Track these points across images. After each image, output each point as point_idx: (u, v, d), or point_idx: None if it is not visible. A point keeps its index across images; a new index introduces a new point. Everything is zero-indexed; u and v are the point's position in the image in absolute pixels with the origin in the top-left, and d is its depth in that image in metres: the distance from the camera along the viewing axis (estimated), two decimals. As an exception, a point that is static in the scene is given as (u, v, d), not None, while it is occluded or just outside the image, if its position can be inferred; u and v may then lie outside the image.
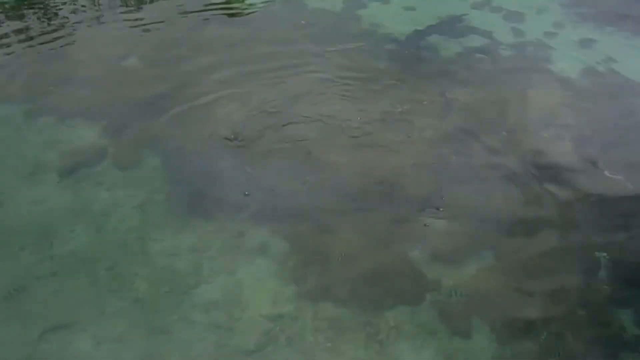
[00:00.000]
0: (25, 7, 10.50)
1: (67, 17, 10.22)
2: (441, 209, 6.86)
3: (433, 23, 10.33)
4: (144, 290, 5.98)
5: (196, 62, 9.12)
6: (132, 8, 10.68)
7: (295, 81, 8.80)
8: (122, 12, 10.52)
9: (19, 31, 9.80)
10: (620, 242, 6.67)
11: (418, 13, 10.59)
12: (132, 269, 6.16)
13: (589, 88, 9.01)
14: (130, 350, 5.51)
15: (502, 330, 5.79)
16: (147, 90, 8.49)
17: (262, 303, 5.93)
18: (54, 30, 9.83)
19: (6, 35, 9.67)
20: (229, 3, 10.83)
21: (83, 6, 10.59)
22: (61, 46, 9.44)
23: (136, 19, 10.28)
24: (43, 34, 9.72)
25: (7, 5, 10.43)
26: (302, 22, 10.21)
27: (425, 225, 6.72)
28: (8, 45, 9.43)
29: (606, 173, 7.48)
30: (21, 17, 10.21)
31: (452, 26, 10.31)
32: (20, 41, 9.52)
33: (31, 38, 9.62)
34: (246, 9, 10.74)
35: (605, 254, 6.48)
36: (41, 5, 10.56)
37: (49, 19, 10.16)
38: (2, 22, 10.02)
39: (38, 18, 10.21)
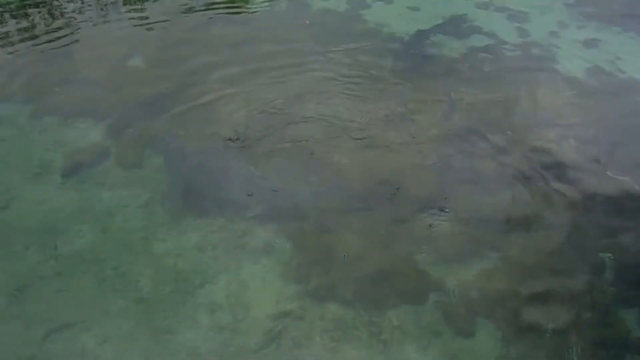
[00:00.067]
0: (30, 6, 10.51)
1: (71, 17, 10.23)
2: (446, 210, 6.85)
3: (437, 23, 10.31)
4: (149, 290, 5.99)
5: (200, 61, 9.12)
6: (136, 7, 10.68)
7: (299, 81, 8.80)
8: (126, 12, 10.52)
9: (23, 31, 9.82)
10: (626, 243, 6.66)
11: (422, 13, 10.57)
12: (136, 269, 6.17)
13: (594, 88, 8.99)
14: (135, 350, 5.53)
15: (506, 330, 5.78)
16: (150, 90, 8.49)
17: (266, 303, 5.93)
18: (58, 29, 9.84)
19: (10, 35, 9.69)
20: (233, 2, 10.83)
21: (87, 6, 10.60)
22: (65, 46, 9.45)
23: (140, 18, 10.29)
24: (47, 33, 9.73)
25: (11, 5, 10.45)
26: (307, 22, 10.20)
27: (430, 226, 6.71)
28: (12, 44, 9.45)
29: (608, 173, 7.45)
30: (25, 17, 10.22)
31: (456, 26, 10.29)
32: (24, 40, 9.54)
33: (35, 37, 9.63)
34: (250, 8, 10.73)
35: (610, 255, 6.47)
36: (45, 5, 10.57)
37: (53, 19, 10.18)
38: (7, 22, 10.04)
39: (42, 17, 10.23)
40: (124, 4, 10.76)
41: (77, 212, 6.70)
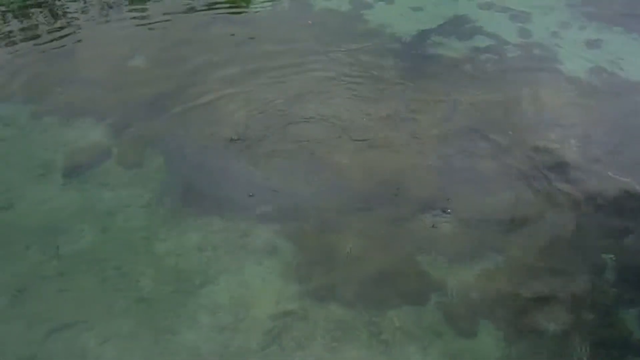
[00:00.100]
0: (32, 6, 10.52)
1: (73, 16, 10.24)
2: (448, 211, 6.84)
3: (439, 23, 10.29)
4: (150, 290, 6.00)
5: (201, 61, 9.12)
6: (137, 7, 10.68)
7: (300, 81, 8.80)
8: (127, 11, 10.52)
9: (24, 30, 9.84)
10: (627, 243, 6.65)
11: (424, 13, 10.56)
12: (138, 269, 6.18)
13: (596, 88, 8.98)
14: (136, 350, 5.53)
15: (507, 331, 5.78)
16: (151, 90, 8.50)
17: (267, 303, 5.94)
18: (60, 29, 9.86)
19: (13, 35, 9.70)
20: (235, 2, 10.82)
21: (89, 5, 10.60)
22: (67, 45, 9.46)
23: (141, 18, 10.30)
24: (49, 32, 9.75)
25: (13, 5, 10.46)
26: (309, 22, 10.19)
27: (433, 226, 6.71)
28: (14, 44, 9.47)
29: (610, 174, 7.44)
30: (28, 17, 10.24)
31: (458, 26, 10.27)
32: (25, 40, 9.56)
33: (37, 37, 9.65)
34: (252, 8, 10.73)
35: (612, 256, 6.47)
36: (47, 4, 10.57)
37: (55, 18, 10.19)
38: (9, 22, 10.05)
39: (44, 17, 10.24)
40: (126, 4, 10.76)
41: (78, 212, 6.71)
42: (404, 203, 6.97)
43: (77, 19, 10.17)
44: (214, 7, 10.62)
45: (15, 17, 10.23)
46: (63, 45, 9.45)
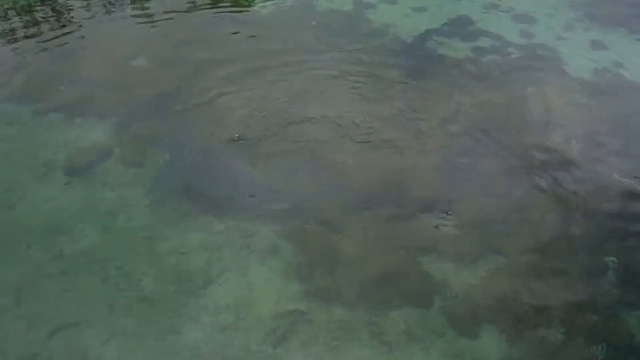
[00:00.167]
0: (35, 4, 10.52)
1: (77, 15, 10.24)
2: (450, 213, 6.83)
3: (442, 24, 10.27)
4: (152, 289, 6.01)
5: (203, 60, 9.12)
6: (140, 5, 10.68)
7: (303, 81, 8.78)
8: (130, 10, 10.52)
9: (28, 28, 9.84)
10: (630, 246, 6.63)
11: (427, 14, 10.54)
12: (140, 268, 6.19)
13: (599, 89, 8.95)
14: (139, 349, 5.54)
15: (509, 332, 5.78)
16: (153, 89, 8.50)
17: (269, 303, 5.94)
18: (62, 27, 9.87)
19: (15, 33, 9.71)
20: (238, 2, 10.81)
21: (92, 4, 10.59)
22: (70, 44, 9.46)
23: (144, 16, 10.30)
24: (52, 30, 9.75)
25: (18, 4, 10.46)
26: (313, 22, 10.17)
27: (436, 227, 6.70)
28: (17, 42, 9.47)
29: (615, 175, 7.42)
30: (31, 15, 10.24)
31: (461, 27, 10.25)
32: (28, 38, 9.56)
33: (40, 34, 9.65)
34: (255, 8, 10.71)
35: (614, 259, 6.44)
36: (50, 3, 10.57)
37: (59, 17, 10.19)
38: (13, 21, 10.05)
39: (48, 16, 10.24)
40: (130, 3, 10.75)
41: (80, 212, 6.72)
42: (406, 203, 6.96)
43: (81, 17, 10.16)
44: (217, 6, 10.61)
45: (18, 14, 10.23)
46: (66, 43, 9.47)
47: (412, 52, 9.57)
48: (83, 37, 9.66)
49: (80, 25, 9.94)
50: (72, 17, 10.14)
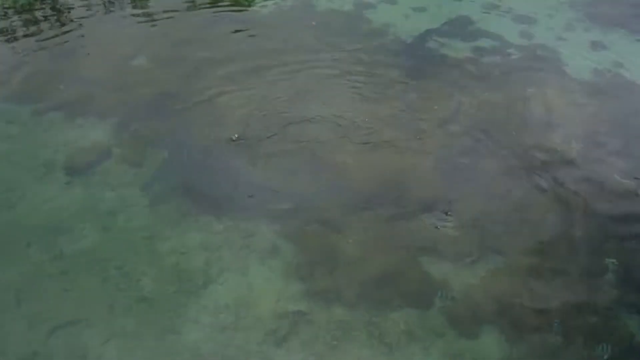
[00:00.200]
0: (36, 3, 10.50)
1: (77, 15, 10.22)
2: (449, 213, 6.83)
3: (443, 24, 10.27)
4: (152, 289, 6.00)
5: (203, 60, 9.11)
6: (140, 4, 10.67)
7: (303, 81, 8.78)
8: (131, 9, 10.51)
9: (28, 28, 9.83)
10: (630, 247, 6.63)
11: (428, 14, 10.54)
12: (140, 268, 6.19)
13: (599, 89, 8.96)
14: (139, 349, 5.54)
15: (509, 332, 5.78)
16: (153, 89, 8.50)
17: (269, 303, 5.94)
18: (62, 25, 9.87)
19: (15, 32, 9.70)
20: (238, 2, 10.80)
21: (93, 3, 10.58)
22: (70, 44, 9.46)
23: (144, 15, 10.29)
24: (52, 29, 9.74)
25: (18, 3, 10.44)
26: (313, 22, 10.16)
27: (436, 227, 6.70)
28: (17, 41, 9.47)
29: (616, 176, 7.42)
30: (31, 14, 10.22)
31: (462, 28, 10.25)
32: (29, 37, 9.55)
33: (40, 33, 9.65)
34: (255, 7, 10.70)
35: (614, 260, 6.44)
36: (50, 2, 10.56)
37: (59, 17, 10.17)
38: (13, 21, 10.03)
39: (48, 15, 10.22)
40: (128, 2, 10.74)
41: (80, 211, 6.72)
42: (406, 203, 6.96)
43: (81, 17, 10.14)
44: (217, 5, 10.60)
45: (18, 13, 10.22)
46: (66, 42, 9.46)
47: (412, 52, 9.57)
48: (83, 36, 9.65)
49: (80, 25, 9.93)
50: (72, 19, 10.12)
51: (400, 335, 5.71)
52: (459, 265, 6.36)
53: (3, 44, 9.40)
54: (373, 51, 9.49)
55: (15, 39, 9.53)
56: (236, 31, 9.88)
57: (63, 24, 9.91)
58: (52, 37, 9.55)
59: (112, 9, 10.47)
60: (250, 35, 9.79)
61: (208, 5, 10.58)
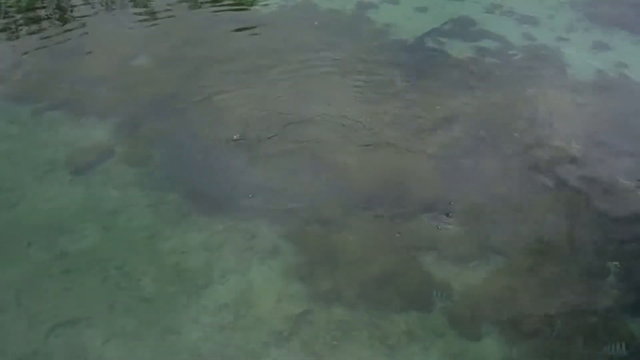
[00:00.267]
0: (39, 3, 10.51)
1: (79, 15, 10.23)
2: (450, 215, 6.83)
3: (445, 25, 10.26)
4: (153, 289, 6.01)
5: (205, 60, 9.11)
6: (142, 3, 10.68)
7: (304, 81, 8.77)
8: (132, 8, 10.53)
9: (30, 26, 9.84)
10: (631, 249, 6.61)
11: (429, 14, 10.52)
12: (141, 268, 6.19)
13: (602, 89, 8.93)
14: (139, 348, 5.54)
15: (509, 333, 5.77)
16: (155, 89, 8.50)
17: (269, 303, 5.94)
18: (65, 24, 9.87)
19: (17, 31, 9.71)
20: (240, 1, 10.80)
21: (94, 2, 10.59)
22: (72, 43, 9.46)
23: (147, 14, 10.30)
24: (54, 28, 9.76)
25: (21, 3, 10.45)
26: (315, 23, 10.16)
27: (438, 227, 6.70)
28: (18, 39, 9.48)
29: (617, 177, 7.41)
30: (33, 13, 10.23)
31: (463, 28, 10.24)
32: (30, 36, 9.56)
33: (42, 31, 9.65)
34: (257, 7, 10.70)
35: (616, 263, 6.43)
36: (52, 1, 10.56)
37: (61, 17, 10.18)
38: (16, 20, 10.03)
39: (49, 13, 10.23)
40: (131, 1, 10.75)
41: (81, 211, 6.73)
42: (406, 203, 6.95)
43: (83, 17, 10.16)
44: (218, 4, 10.60)
45: (20, 12, 10.23)
46: (67, 40, 9.47)
47: (413, 53, 9.56)
48: (86, 37, 9.65)
49: (82, 24, 9.94)
50: (74, 18, 10.13)
51: (400, 335, 5.71)
52: (459, 264, 6.35)
53: (4, 43, 9.41)
54: (374, 51, 9.47)
55: (17, 37, 9.55)
56: (237, 30, 9.88)
57: (65, 23, 9.92)
58: (54, 35, 9.55)
59: (113, 7, 10.49)
60: (252, 35, 9.79)
61: (209, 5, 10.59)
